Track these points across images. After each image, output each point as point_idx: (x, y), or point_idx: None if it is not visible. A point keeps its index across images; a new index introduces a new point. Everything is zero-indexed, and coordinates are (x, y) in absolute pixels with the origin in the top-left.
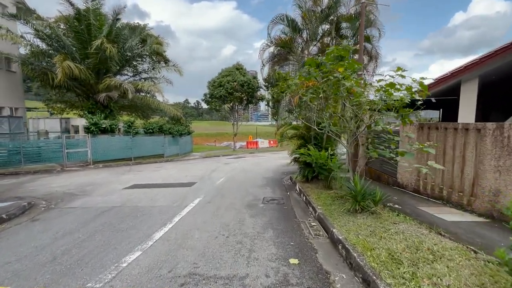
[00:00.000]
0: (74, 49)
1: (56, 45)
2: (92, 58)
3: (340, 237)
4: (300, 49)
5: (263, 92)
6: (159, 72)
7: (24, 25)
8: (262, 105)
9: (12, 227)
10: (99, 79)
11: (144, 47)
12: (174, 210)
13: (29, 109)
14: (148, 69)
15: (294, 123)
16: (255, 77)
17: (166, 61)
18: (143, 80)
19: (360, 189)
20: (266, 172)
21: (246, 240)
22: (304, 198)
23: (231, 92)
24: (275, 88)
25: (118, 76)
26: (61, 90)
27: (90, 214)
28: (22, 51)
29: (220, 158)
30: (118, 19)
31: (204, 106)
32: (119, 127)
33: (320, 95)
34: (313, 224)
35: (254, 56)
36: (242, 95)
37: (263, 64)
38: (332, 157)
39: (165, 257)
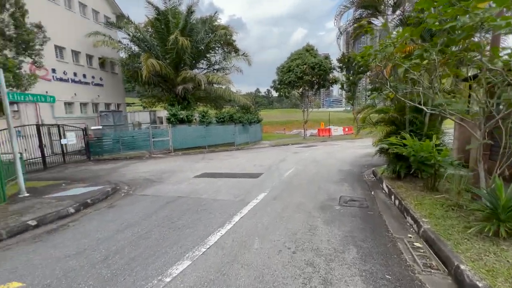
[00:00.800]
0: (158, 48)
1: (144, 46)
2: (170, 54)
3: (480, 284)
4: (390, 10)
5: (336, 74)
6: (229, 62)
7: (121, 32)
8: (335, 90)
9: (91, 213)
10: (177, 73)
11: (214, 37)
12: (235, 206)
13: (128, 104)
14: (219, 60)
15: (381, 105)
16: (327, 58)
17: (236, 50)
18: (215, 71)
19: (507, 201)
20: (342, 164)
21: (319, 262)
22: (396, 201)
23: (301, 76)
24: (359, 55)
25: (194, 70)
26: (150, 86)
27: (157, 203)
28: (122, 54)
29: (289, 147)
30: (192, 12)
31: (274, 94)
32: (195, 117)
33: (432, 58)
34: (416, 244)
35: (326, 39)
36: (313, 79)
37: (340, 33)
38: (440, 148)
39: (214, 275)
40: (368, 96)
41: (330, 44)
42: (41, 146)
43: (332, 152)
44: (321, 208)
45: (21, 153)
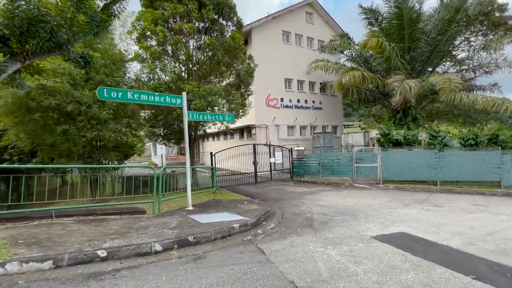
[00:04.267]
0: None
1: (359, 59)
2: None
3: None
4: None
5: None
6: (493, 52)
7: (342, 54)
8: None
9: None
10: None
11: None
12: None
13: (347, 126)
14: (471, 55)
15: None
16: None
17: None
18: (463, 72)
19: None
20: None
21: None
22: None
23: None
24: None
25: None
26: (369, 103)
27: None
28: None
29: None
30: None
31: None
32: (421, 138)
33: None
34: None
35: None
36: None
37: None
38: None
39: None
40: None
41: None
42: (254, 163)
43: None
44: None
45: (215, 168)
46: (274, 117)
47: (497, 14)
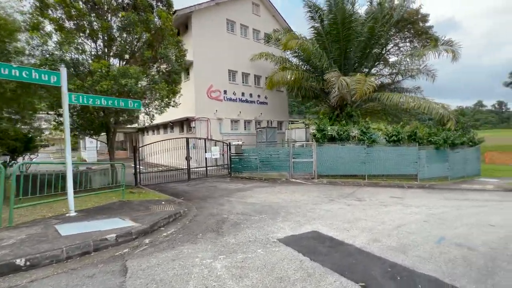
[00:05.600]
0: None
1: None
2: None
3: None
4: None
5: None
6: (418, 59)
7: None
8: None
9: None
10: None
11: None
12: None
13: (292, 122)
14: (400, 60)
15: None
16: None
17: (434, 40)
18: (394, 76)
19: None
20: None
21: None
22: None
23: None
24: None
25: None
26: (312, 100)
27: None
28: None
29: None
30: None
31: None
32: (352, 134)
33: None
34: None
35: None
36: None
37: None
38: None
39: None
40: None
41: None
42: (187, 158)
43: None
44: None
45: (123, 164)
46: (216, 110)
47: (421, 24)
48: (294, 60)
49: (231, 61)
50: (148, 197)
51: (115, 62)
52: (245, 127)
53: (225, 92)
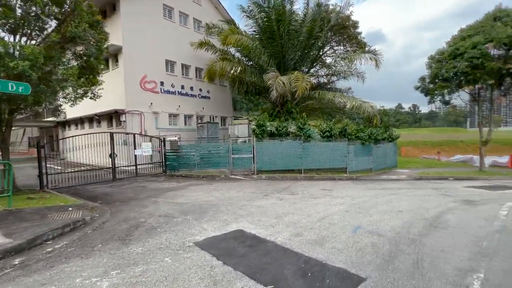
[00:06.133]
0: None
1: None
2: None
3: None
4: None
5: None
6: (350, 62)
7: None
8: None
9: None
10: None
11: (323, 23)
12: None
13: (236, 118)
14: (335, 62)
15: None
16: None
17: (362, 46)
18: (329, 77)
19: None
20: None
21: None
22: None
23: (479, 65)
24: None
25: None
26: (254, 96)
27: None
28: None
29: (451, 184)
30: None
31: (423, 110)
32: (290, 130)
33: None
34: None
35: None
36: (509, 66)
37: None
38: None
39: None
40: None
41: None
42: (112, 155)
43: None
44: None
45: (10, 164)
46: (152, 103)
47: (352, 30)
48: (237, 55)
49: (169, 51)
50: (52, 202)
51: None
52: (185, 122)
53: (162, 83)
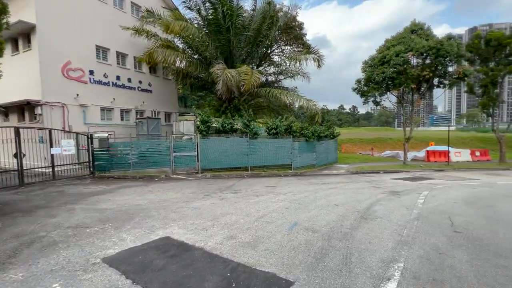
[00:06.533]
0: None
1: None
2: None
3: None
4: None
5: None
6: (295, 62)
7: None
8: (440, 104)
9: None
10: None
11: (272, 21)
12: None
13: (182, 114)
14: (281, 61)
15: None
16: (451, 38)
17: (307, 47)
18: (277, 75)
19: None
20: None
21: None
22: None
23: (403, 71)
24: None
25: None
26: (201, 91)
27: None
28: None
29: (381, 177)
30: None
31: (361, 111)
32: (237, 126)
33: None
34: None
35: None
36: (424, 73)
37: None
38: None
39: None
40: None
41: None
42: (17, 155)
43: (485, 198)
44: None
45: None
46: (78, 94)
47: (298, 30)
48: (181, 46)
49: (101, 36)
50: None
51: None
52: (122, 118)
53: (91, 72)
